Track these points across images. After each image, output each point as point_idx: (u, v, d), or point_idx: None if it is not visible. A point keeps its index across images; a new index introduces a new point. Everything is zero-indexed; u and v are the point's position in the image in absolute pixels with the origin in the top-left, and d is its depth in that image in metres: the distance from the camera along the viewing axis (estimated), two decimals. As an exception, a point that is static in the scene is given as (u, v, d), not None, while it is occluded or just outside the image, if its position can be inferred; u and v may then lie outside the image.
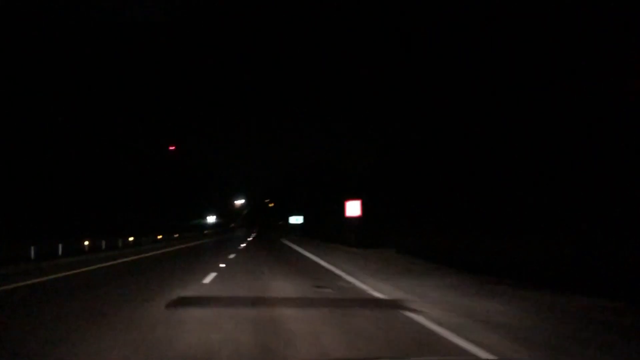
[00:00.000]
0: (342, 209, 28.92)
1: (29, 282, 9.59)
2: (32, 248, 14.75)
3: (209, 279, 9.74)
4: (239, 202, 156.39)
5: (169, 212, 58.92)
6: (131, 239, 27.47)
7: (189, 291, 7.84)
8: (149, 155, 56.15)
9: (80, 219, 33.63)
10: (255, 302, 6.86)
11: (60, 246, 17.08)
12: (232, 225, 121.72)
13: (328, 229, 46.57)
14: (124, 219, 41.05)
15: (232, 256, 17.57)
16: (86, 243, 20.29)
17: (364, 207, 26.90)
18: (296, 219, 69.47)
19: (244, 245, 29.44)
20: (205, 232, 65.87)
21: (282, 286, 8.67)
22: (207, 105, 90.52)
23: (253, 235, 61.08)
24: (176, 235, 41.57)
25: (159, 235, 34.82)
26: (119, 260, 15.94)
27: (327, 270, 12.18)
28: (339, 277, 10.42)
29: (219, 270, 11.72)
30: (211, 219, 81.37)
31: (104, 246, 21.85)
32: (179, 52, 64.85)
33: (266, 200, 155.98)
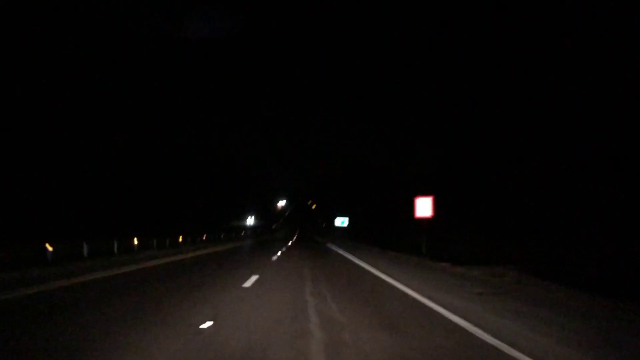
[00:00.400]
0: (404, 208, 21.66)
1: None
2: None
3: None
4: (281, 203, 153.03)
5: (208, 213, 55.85)
6: (136, 242, 21.01)
7: None
8: (193, 158, 53.04)
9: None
10: None
11: None
12: (274, 226, 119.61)
13: (382, 233, 38.80)
14: (165, 220, 37.54)
15: (252, 281, 9.83)
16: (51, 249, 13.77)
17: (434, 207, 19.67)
18: (341, 221, 64.33)
19: (280, 253, 22.06)
20: (242, 234, 61.70)
21: None
22: (251, 107, 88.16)
23: (294, 238, 55.46)
24: (203, 237, 35.13)
25: (180, 236, 28.32)
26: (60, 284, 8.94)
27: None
28: None
29: (189, 348, 4.35)
30: (250, 221, 79.66)
31: (86, 253, 15.57)
32: (227, 64, 65.59)
33: (308, 202, 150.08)
